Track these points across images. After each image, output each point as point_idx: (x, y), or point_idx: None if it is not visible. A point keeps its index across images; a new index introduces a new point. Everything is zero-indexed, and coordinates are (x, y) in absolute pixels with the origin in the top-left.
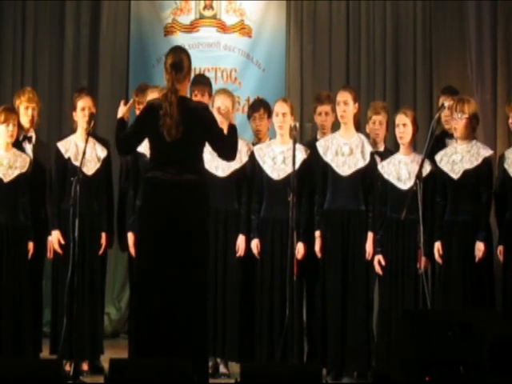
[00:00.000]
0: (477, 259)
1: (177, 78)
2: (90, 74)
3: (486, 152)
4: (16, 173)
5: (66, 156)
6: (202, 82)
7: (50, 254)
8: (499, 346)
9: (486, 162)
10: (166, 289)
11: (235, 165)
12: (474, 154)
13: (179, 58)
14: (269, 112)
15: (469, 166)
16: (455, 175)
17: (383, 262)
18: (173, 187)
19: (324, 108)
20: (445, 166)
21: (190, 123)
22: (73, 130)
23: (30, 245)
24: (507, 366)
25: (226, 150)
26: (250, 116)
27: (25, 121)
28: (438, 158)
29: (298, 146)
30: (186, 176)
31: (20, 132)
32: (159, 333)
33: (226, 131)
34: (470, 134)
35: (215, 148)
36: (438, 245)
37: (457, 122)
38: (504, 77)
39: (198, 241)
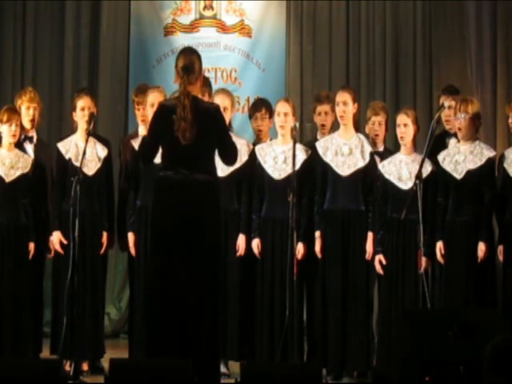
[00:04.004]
0: (479, 259)
1: (189, 80)
2: (90, 73)
3: (490, 152)
4: (18, 173)
5: (67, 157)
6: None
7: (51, 255)
8: (500, 352)
9: (490, 162)
10: (178, 287)
11: (235, 164)
12: (478, 155)
13: (190, 60)
14: (270, 112)
15: (472, 166)
16: (458, 175)
17: (384, 262)
18: (185, 187)
19: (323, 108)
20: (447, 165)
21: (203, 124)
22: (73, 131)
23: (31, 245)
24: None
25: (231, 153)
26: (251, 115)
27: (26, 121)
28: (440, 157)
29: (299, 147)
30: (198, 176)
31: (21, 132)
32: (172, 332)
33: None
34: (473, 134)
35: (220, 150)
36: (439, 245)
37: (460, 123)
38: (504, 76)
39: (210, 240)
